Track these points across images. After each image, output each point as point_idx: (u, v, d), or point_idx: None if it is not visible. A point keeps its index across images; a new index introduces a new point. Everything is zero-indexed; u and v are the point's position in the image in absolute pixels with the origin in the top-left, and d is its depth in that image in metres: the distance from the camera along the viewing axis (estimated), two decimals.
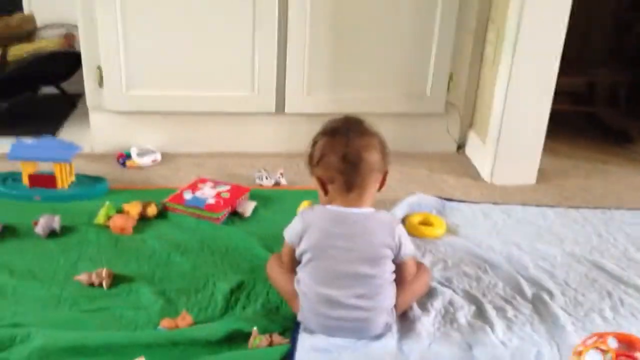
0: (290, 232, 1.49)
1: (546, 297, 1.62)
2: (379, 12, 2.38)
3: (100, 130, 2.49)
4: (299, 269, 1.47)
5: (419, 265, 1.58)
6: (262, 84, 2.44)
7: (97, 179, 2.18)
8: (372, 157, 1.42)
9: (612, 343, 1.27)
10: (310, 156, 1.47)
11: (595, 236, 1.95)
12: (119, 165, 2.38)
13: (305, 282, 1.45)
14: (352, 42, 2.42)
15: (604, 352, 1.26)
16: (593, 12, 2.91)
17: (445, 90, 2.52)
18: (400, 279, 1.47)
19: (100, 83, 2.40)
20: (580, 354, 1.30)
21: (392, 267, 1.44)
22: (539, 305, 1.59)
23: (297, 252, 1.46)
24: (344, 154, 1.40)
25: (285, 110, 2.49)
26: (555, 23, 2.13)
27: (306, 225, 1.46)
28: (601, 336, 1.30)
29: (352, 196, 1.43)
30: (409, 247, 1.46)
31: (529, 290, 1.65)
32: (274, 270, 1.58)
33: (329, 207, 1.46)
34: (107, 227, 1.89)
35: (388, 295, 1.43)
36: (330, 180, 1.44)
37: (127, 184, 2.23)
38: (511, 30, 2.18)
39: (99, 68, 2.38)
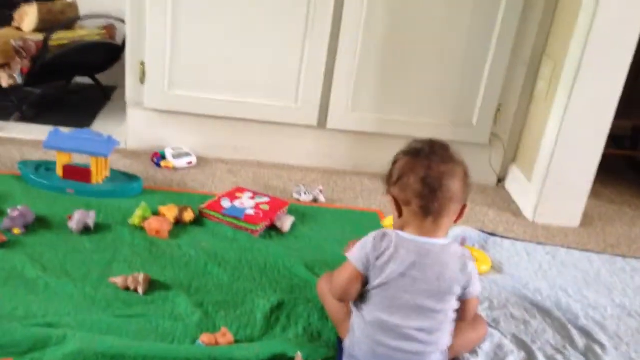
0: (358, 256, 1.36)
1: (599, 350, 1.55)
2: (433, 35, 2.33)
3: (136, 127, 2.43)
4: (364, 290, 1.37)
5: (477, 316, 1.51)
6: (306, 96, 2.38)
7: (132, 177, 2.12)
8: (454, 185, 1.32)
9: None
10: (389, 174, 1.38)
11: None
12: (153, 165, 2.31)
13: (364, 305, 1.36)
14: (403, 63, 2.36)
15: None
16: None
17: (492, 121, 2.46)
18: (461, 316, 1.39)
19: (142, 79, 2.34)
20: None
21: (456, 305, 1.37)
22: (592, 358, 1.51)
23: (365, 277, 1.36)
24: (424, 176, 1.31)
25: (327, 126, 2.43)
26: (618, 63, 2.07)
27: (380, 250, 1.35)
28: None
29: (427, 224, 1.34)
30: (477, 286, 1.38)
31: (580, 341, 1.57)
32: (326, 288, 1.48)
33: (402, 234, 1.36)
34: (142, 228, 1.83)
35: (446, 333, 1.36)
36: (406, 202, 1.35)
37: (161, 185, 2.17)
38: (571, 67, 2.12)
39: (142, 64, 2.33)
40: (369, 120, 2.42)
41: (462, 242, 1.94)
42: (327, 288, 1.50)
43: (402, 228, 1.36)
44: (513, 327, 1.60)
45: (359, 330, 1.37)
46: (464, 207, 1.37)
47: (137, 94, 2.38)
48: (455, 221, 1.37)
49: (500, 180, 2.57)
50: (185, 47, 2.29)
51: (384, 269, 1.33)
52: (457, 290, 1.34)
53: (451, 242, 1.37)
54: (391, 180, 1.37)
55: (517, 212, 2.34)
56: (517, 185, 2.46)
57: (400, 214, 1.36)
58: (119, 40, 2.83)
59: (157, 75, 2.33)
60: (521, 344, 1.54)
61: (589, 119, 2.13)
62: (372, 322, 1.34)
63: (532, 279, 1.85)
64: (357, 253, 1.36)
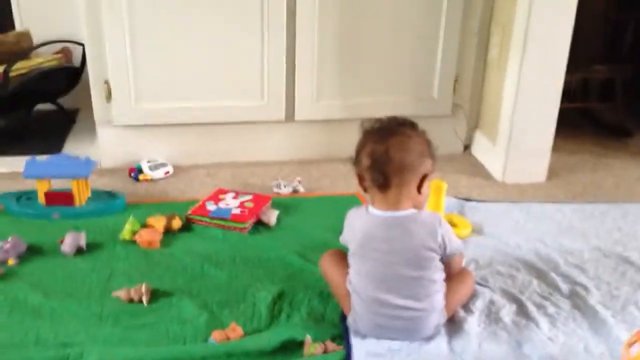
0: (342, 236, 1.53)
1: (582, 292, 1.65)
2: (384, 18, 2.41)
3: (108, 145, 2.46)
4: (350, 268, 1.48)
5: (463, 270, 1.60)
6: (271, 92, 2.44)
7: (113, 195, 2.15)
8: (404, 156, 1.39)
9: None
10: (353, 153, 1.48)
11: (616, 230, 2.00)
12: (131, 180, 2.35)
13: (355, 282, 1.46)
14: (359, 49, 2.44)
15: None
16: (585, 9, 2.98)
17: (452, 92, 2.56)
18: (447, 274, 1.48)
19: (108, 98, 2.37)
20: (631, 345, 1.33)
21: (440, 266, 1.46)
22: (577, 301, 1.62)
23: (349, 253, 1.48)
24: (371, 151, 1.41)
25: (296, 118, 2.49)
26: (563, 22, 2.18)
27: (350, 227, 1.50)
28: None
29: (389, 197, 1.42)
30: (454, 244, 1.47)
31: (564, 286, 1.68)
32: (329, 265, 1.58)
33: (370, 209, 1.47)
34: (134, 242, 1.87)
35: (438, 296, 1.45)
36: (363, 178, 1.46)
37: (143, 198, 2.20)
38: (519, 32, 2.22)
39: (107, 82, 2.35)
40: (335, 107, 2.49)
41: None
42: (330, 264, 1.58)
43: (372, 203, 1.46)
44: (501, 282, 1.70)
45: (357, 306, 1.46)
46: (424, 176, 1.43)
47: (105, 112, 2.40)
48: (419, 191, 1.44)
49: (467, 147, 2.67)
50: (146, 61, 2.32)
51: (354, 242, 1.45)
52: (433, 255, 1.42)
53: (418, 212, 1.44)
54: (352, 158, 1.47)
55: (487, 176, 2.44)
56: (483, 150, 2.57)
57: (364, 190, 1.46)
58: (76, 63, 2.83)
59: (123, 92, 2.35)
60: (511, 297, 1.63)
61: (542, 79, 2.24)
62: (366, 299, 1.43)
63: (510, 235, 1.95)
64: (343, 231, 1.51)
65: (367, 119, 1.49)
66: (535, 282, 1.71)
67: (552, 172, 2.43)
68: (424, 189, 1.45)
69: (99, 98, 2.38)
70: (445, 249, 1.45)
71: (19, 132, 2.82)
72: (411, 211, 1.44)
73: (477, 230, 1.98)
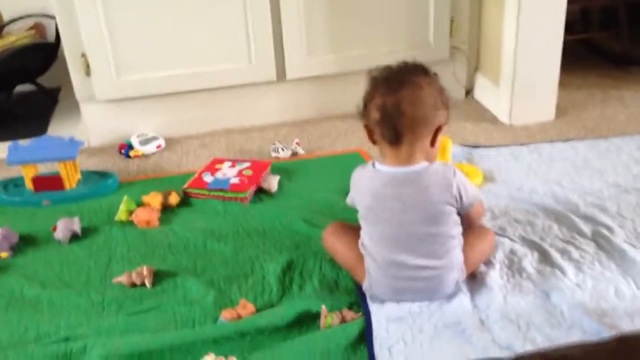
0: (349, 197, 1.44)
1: (606, 232, 1.57)
2: None
3: (94, 122, 2.34)
4: (362, 231, 1.39)
5: (481, 227, 1.52)
6: (259, 52, 2.31)
7: (104, 174, 2.05)
8: (416, 109, 1.29)
9: None
10: (360, 104, 1.37)
11: (634, 164, 1.91)
12: (122, 157, 2.24)
13: (369, 246, 1.37)
14: None
15: None
16: None
17: (448, 35, 2.43)
18: (467, 225, 1.40)
19: (87, 72, 2.24)
20: None
21: (458, 220, 1.37)
22: (602, 242, 1.54)
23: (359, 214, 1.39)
24: (382, 104, 1.30)
25: (287, 77, 2.37)
26: None
27: (357, 187, 1.40)
28: None
29: (401, 152, 1.33)
30: (471, 194, 1.37)
31: (586, 228, 1.60)
32: (333, 239, 1.49)
33: (377, 166, 1.37)
34: (131, 222, 1.78)
35: (456, 251, 1.36)
36: (372, 131, 1.36)
37: (136, 175, 2.10)
38: None
39: (84, 56, 2.22)
40: (327, 61, 2.37)
41: None
42: (333, 237, 1.49)
43: (382, 158, 1.36)
44: (520, 230, 1.62)
45: (373, 271, 1.37)
46: (438, 128, 1.34)
47: (86, 88, 2.28)
48: (432, 144, 1.35)
49: (469, 92, 2.56)
50: (124, 30, 2.19)
51: (362, 203, 1.36)
52: (449, 209, 1.33)
53: (429, 164, 1.35)
54: (360, 110, 1.36)
55: (493, 120, 2.34)
56: (486, 93, 2.45)
57: (374, 142, 1.37)
58: (50, 38, 2.69)
59: (102, 65, 2.22)
60: (532, 245, 1.55)
61: (543, 10, 2.11)
62: (382, 263, 1.35)
63: (524, 180, 1.86)
64: (350, 194, 1.41)
65: (375, 67, 1.37)
66: (555, 226, 1.62)
67: (561, 110, 2.32)
68: (438, 141, 1.36)
69: (78, 73, 2.25)
70: (462, 200, 1.35)
71: (0, 117, 2.70)
72: (423, 164, 1.34)
73: (488, 178, 1.89)
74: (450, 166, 1.38)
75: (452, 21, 2.42)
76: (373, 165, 1.38)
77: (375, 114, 1.32)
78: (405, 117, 1.29)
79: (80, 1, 2.12)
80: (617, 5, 2.66)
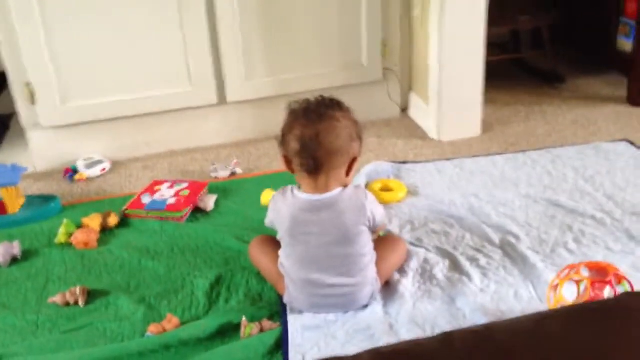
0: (267, 219, 1.52)
1: (513, 240, 1.69)
2: None
3: (40, 148, 2.41)
4: (280, 252, 1.48)
5: (394, 238, 1.64)
6: (199, 76, 2.41)
7: (48, 198, 2.11)
8: (333, 140, 1.38)
9: (585, 272, 1.34)
10: (279, 135, 1.46)
11: (546, 175, 2.05)
12: (67, 181, 2.31)
13: (287, 266, 1.47)
14: (284, 22, 2.42)
15: (578, 282, 1.33)
16: None
17: (380, 57, 2.56)
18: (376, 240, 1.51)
19: (32, 100, 2.32)
20: (556, 287, 1.37)
21: (369, 237, 1.47)
22: (508, 249, 1.66)
23: (278, 236, 1.49)
24: (301, 135, 1.38)
25: (228, 100, 2.47)
26: None
27: (277, 212, 1.48)
28: (573, 267, 1.38)
29: (318, 181, 1.41)
30: (380, 214, 1.48)
31: (496, 237, 1.72)
32: (257, 253, 1.59)
33: (296, 193, 1.45)
34: (70, 244, 1.85)
35: (370, 267, 1.46)
36: (290, 161, 1.44)
37: (80, 198, 2.17)
38: None
39: (29, 85, 2.30)
40: (266, 85, 2.47)
41: None
42: (258, 251, 1.59)
43: (298, 188, 1.46)
44: (435, 240, 1.73)
45: (291, 288, 1.47)
46: (354, 159, 1.42)
47: (31, 115, 2.35)
48: (347, 174, 1.43)
49: (404, 110, 2.69)
50: (66, 58, 2.27)
51: (281, 226, 1.45)
52: (363, 229, 1.43)
53: (343, 189, 1.43)
54: (279, 140, 1.45)
55: (423, 136, 2.47)
56: (418, 111, 2.59)
57: (292, 172, 1.45)
58: (2, 67, 2.75)
59: (47, 93, 2.30)
60: (444, 253, 1.67)
61: (463, 32, 2.25)
62: (299, 282, 1.45)
63: (445, 193, 1.98)
64: (267, 217, 1.50)
65: (294, 101, 1.46)
66: (468, 236, 1.75)
67: (487, 126, 2.46)
68: (352, 171, 1.44)
69: (24, 101, 2.33)
70: (374, 220, 1.46)
71: None
72: (337, 190, 1.43)
73: (412, 192, 2.01)
74: (362, 189, 1.48)
75: (384, 44, 2.54)
76: (292, 191, 1.46)
77: (294, 145, 1.39)
78: (324, 148, 1.37)
79: (22, 31, 2.20)
80: (542, 27, 2.82)
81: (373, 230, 1.48)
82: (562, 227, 1.75)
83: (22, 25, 2.19)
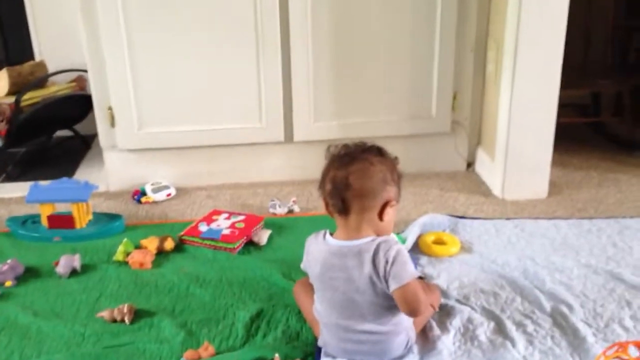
0: (303, 263, 1.54)
1: (565, 310, 1.62)
2: (379, 36, 2.43)
3: (114, 169, 2.54)
4: (315, 295, 1.49)
5: (428, 284, 1.61)
6: (269, 114, 2.48)
7: (113, 217, 2.22)
8: (362, 183, 1.38)
9: (634, 352, 1.27)
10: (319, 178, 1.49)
11: (611, 246, 1.95)
12: (135, 202, 2.42)
13: (319, 309, 1.47)
14: (355, 68, 2.47)
15: None
16: (592, 23, 2.95)
17: (450, 109, 2.55)
18: (400, 308, 1.38)
19: (112, 123, 2.46)
20: None
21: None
22: (559, 319, 1.59)
23: (310, 279, 1.50)
24: (332, 177, 1.41)
25: (294, 139, 2.53)
26: (553, 35, 2.16)
27: (308, 255, 1.51)
28: (622, 345, 1.31)
29: (349, 223, 1.41)
30: (402, 274, 1.35)
31: (547, 304, 1.65)
32: (300, 292, 1.62)
33: (327, 237, 1.46)
34: (127, 263, 1.92)
35: (403, 316, 1.42)
36: (327, 203, 1.45)
37: (143, 220, 2.27)
38: (510, 45, 2.21)
39: (110, 109, 2.44)
40: (332, 127, 2.52)
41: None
42: (300, 293, 1.61)
43: (331, 232, 1.47)
44: (482, 300, 1.68)
45: (324, 331, 1.47)
46: (386, 203, 1.40)
47: (110, 137, 2.49)
48: (380, 217, 1.41)
49: (470, 164, 2.66)
50: (147, 87, 2.41)
51: (312, 270, 1.47)
52: (378, 283, 1.37)
53: (374, 238, 1.39)
54: (319, 183, 1.47)
55: (487, 192, 2.42)
56: (484, 167, 2.55)
57: (330, 214, 1.46)
58: (89, 91, 2.94)
59: (126, 118, 2.44)
60: (490, 315, 1.61)
61: (535, 92, 2.22)
62: (330, 326, 1.44)
63: (500, 253, 1.93)
64: (304, 257, 1.51)
65: (334, 145, 1.49)
66: (518, 299, 1.68)
67: (555, 188, 2.39)
68: (386, 215, 1.42)
69: (104, 124, 2.48)
70: (387, 278, 1.35)
71: (37, 158, 2.94)
72: (367, 239, 1.40)
73: (466, 248, 1.97)
74: (391, 241, 1.41)
75: (454, 97, 2.54)
76: (324, 236, 1.47)
77: (328, 186, 1.42)
78: (353, 189, 1.38)
79: (110, 59, 2.36)
80: (623, 91, 2.74)
81: (391, 290, 1.37)
82: (620, 301, 1.66)
83: (110, 53, 2.34)
